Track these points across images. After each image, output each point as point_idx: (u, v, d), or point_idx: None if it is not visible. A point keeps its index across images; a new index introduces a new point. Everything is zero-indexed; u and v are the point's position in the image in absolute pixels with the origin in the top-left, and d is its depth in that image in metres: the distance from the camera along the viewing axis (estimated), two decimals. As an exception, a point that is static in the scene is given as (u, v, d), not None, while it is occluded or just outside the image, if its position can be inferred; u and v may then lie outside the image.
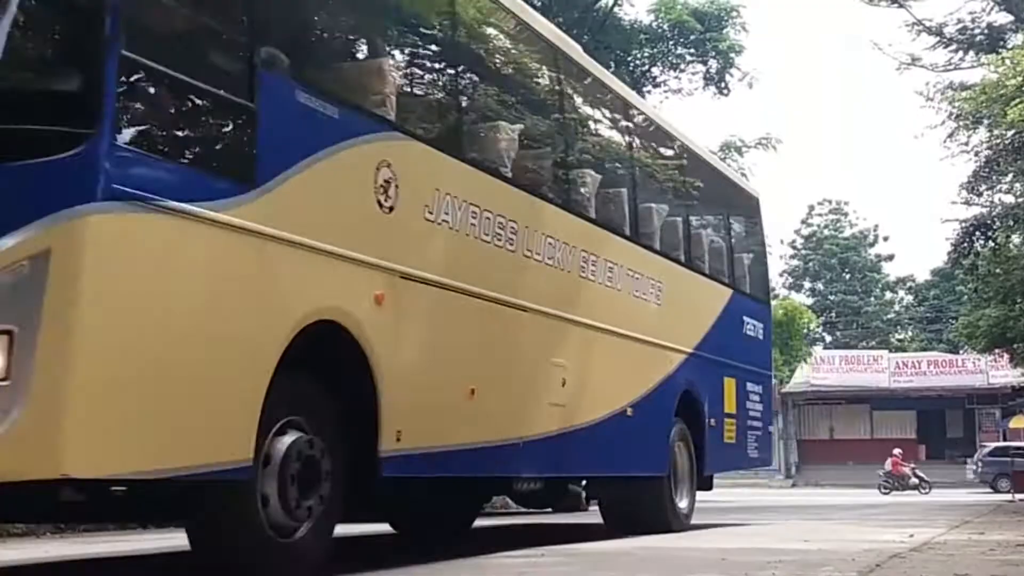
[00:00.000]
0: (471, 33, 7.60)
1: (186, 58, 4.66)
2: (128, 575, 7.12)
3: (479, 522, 10.45)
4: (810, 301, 53.44)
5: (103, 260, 4.21)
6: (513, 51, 8.49)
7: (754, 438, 12.13)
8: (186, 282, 4.58)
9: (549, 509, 13.57)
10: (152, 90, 4.54)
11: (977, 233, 24.30)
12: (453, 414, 6.62)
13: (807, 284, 59.90)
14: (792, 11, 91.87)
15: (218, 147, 4.96)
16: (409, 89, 6.84)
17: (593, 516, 15.25)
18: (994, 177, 23.71)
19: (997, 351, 30.72)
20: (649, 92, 23.33)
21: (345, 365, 5.63)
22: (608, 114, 10.21)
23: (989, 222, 24.41)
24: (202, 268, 4.68)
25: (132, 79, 4.37)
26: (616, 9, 23.48)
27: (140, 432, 4.36)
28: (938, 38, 26.49)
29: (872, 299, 59.69)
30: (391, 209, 5.92)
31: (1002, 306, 26.04)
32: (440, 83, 7.40)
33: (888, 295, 61.44)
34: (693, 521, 10.66)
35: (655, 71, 24.52)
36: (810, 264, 59.77)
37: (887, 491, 32.63)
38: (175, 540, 9.23)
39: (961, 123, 22.97)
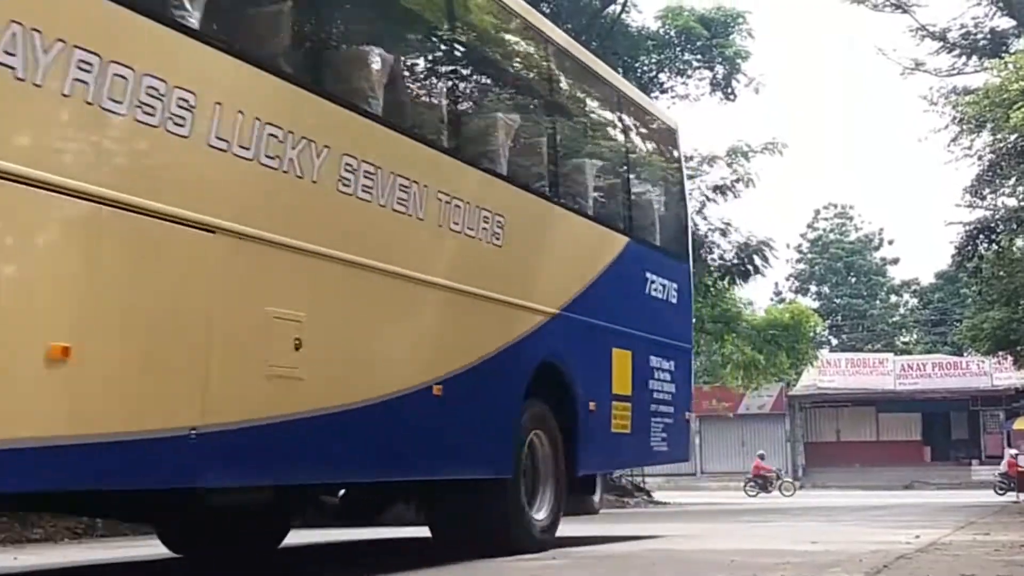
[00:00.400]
0: None
1: None
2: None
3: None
4: (816, 305, 53.41)
5: None
6: None
7: (661, 427, 9.56)
8: None
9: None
10: None
11: (981, 236, 24.33)
12: (16, 388, 4.03)
13: (813, 288, 59.82)
14: (793, 14, 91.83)
15: None
16: None
17: (604, 519, 15.36)
18: (997, 181, 23.78)
19: (1001, 353, 30.75)
20: (656, 97, 23.45)
21: None
22: None
23: (993, 225, 24.46)
24: None
25: None
26: (624, 16, 23.69)
27: None
28: (941, 43, 26.68)
29: (877, 302, 59.61)
30: None
31: (1006, 309, 26.14)
32: None
33: (893, 298, 61.34)
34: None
35: (662, 77, 24.69)
36: (816, 268, 59.71)
37: (1003, 491, 31.49)
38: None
39: (964, 127, 23.06)
